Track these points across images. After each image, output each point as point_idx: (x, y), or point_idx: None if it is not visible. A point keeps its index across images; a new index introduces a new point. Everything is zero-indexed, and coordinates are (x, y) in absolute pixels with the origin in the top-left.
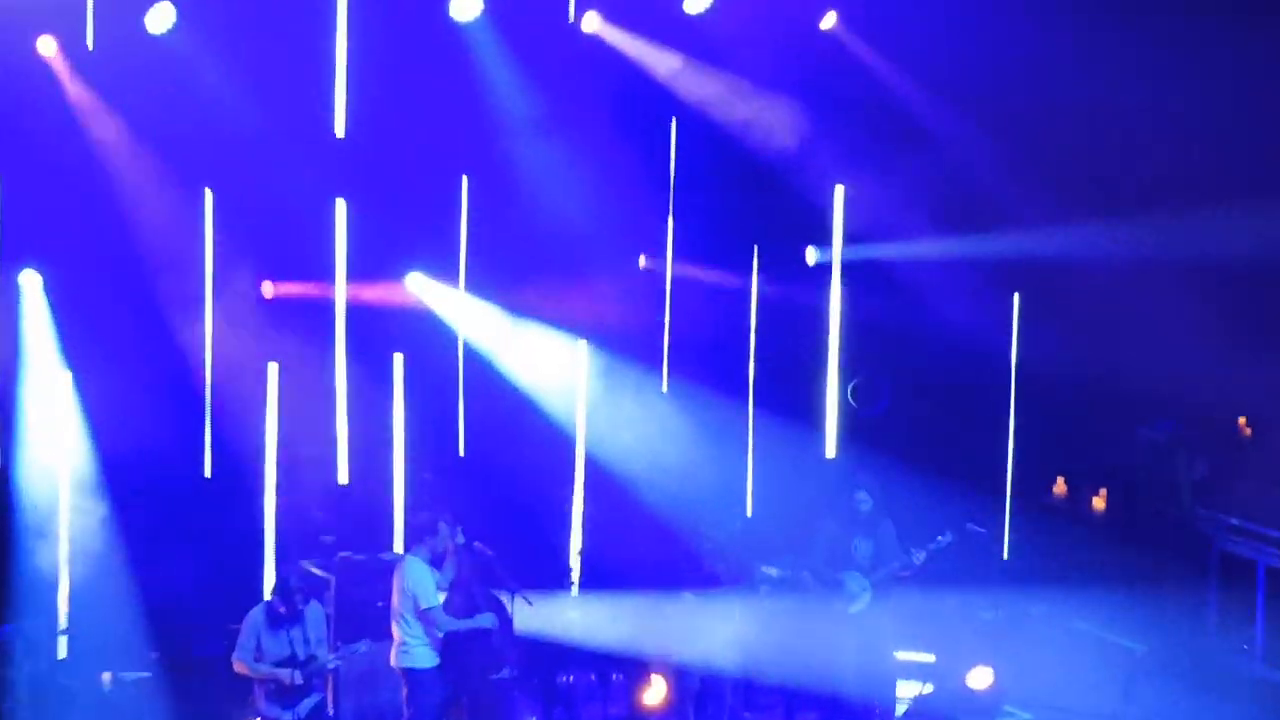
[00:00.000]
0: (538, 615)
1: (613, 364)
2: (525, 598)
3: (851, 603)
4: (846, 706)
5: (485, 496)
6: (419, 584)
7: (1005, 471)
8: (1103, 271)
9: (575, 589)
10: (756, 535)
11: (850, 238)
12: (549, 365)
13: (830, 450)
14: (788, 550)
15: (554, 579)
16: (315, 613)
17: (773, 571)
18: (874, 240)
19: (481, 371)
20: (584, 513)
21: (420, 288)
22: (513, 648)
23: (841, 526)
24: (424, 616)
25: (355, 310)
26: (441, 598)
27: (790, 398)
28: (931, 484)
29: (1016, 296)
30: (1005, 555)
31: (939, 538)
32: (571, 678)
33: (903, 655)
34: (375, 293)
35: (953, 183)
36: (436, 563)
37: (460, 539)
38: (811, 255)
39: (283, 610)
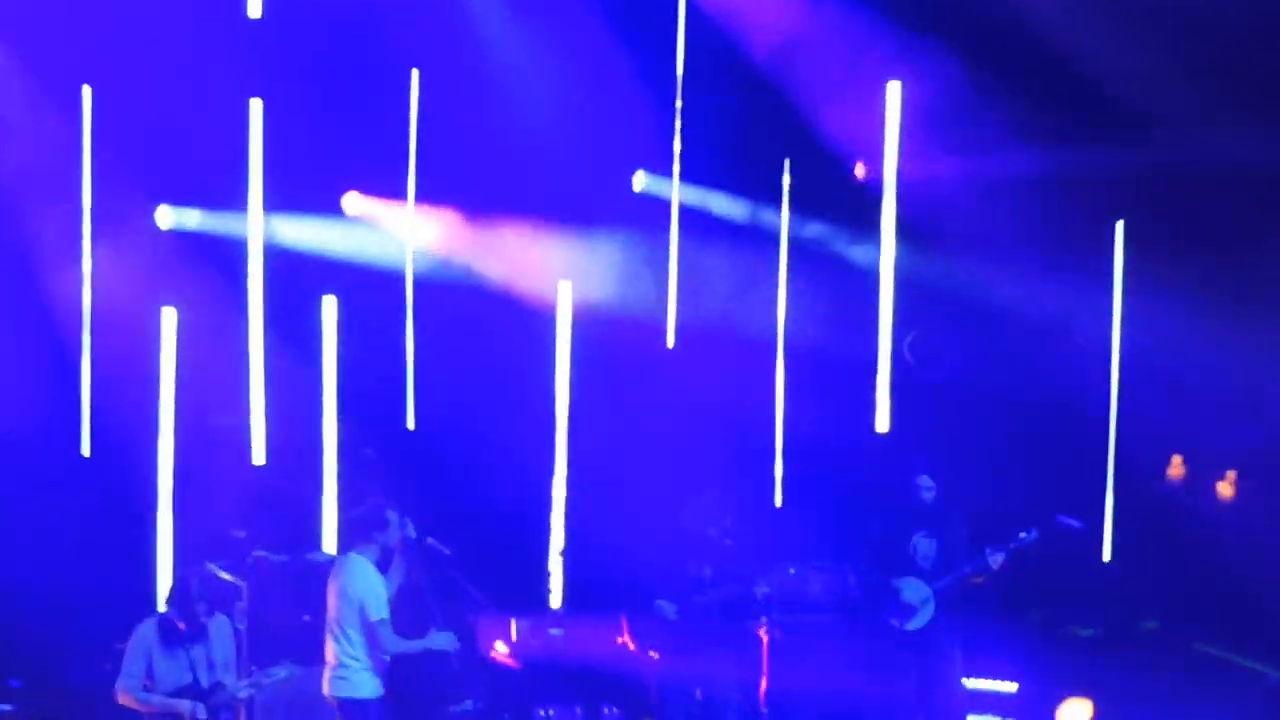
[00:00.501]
0: (509, 634)
1: (603, 313)
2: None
3: (909, 618)
4: None
5: (440, 480)
6: (369, 590)
7: (1106, 450)
8: (1242, 188)
9: (556, 599)
10: (787, 530)
11: (907, 152)
12: (521, 301)
13: (882, 423)
14: (825, 551)
15: (529, 588)
16: (222, 628)
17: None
18: (937, 155)
19: (436, 322)
20: (567, 502)
21: (358, 212)
22: (477, 674)
23: (896, 520)
24: (371, 632)
25: (275, 244)
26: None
27: (830, 357)
28: (1011, 466)
29: (1121, 226)
30: (1106, 556)
31: (1021, 534)
32: (551, 713)
33: (975, 684)
34: (300, 221)
35: (1040, 77)
36: (382, 565)
37: (411, 533)
38: (861, 170)
39: (181, 626)
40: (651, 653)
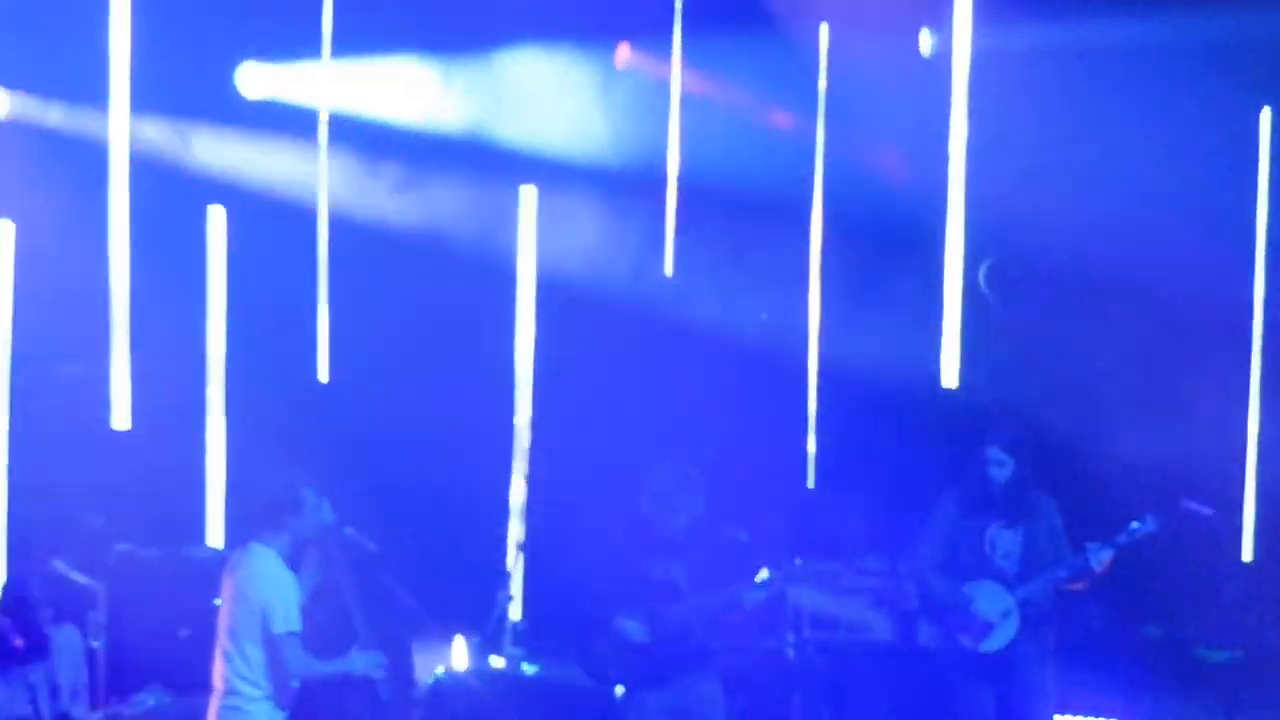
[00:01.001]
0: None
1: (577, 224)
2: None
3: (984, 637)
4: None
5: (363, 451)
6: (276, 593)
7: (1245, 415)
8: None
9: (516, 610)
10: (821, 519)
11: (985, 15)
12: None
13: (949, 378)
14: (869, 547)
15: (479, 594)
16: (70, 643)
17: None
18: (1024, 21)
19: (356, 240)
20: (530, 481)
21: (256, 86)
22: (410, 708)
23: (968, 508)
24: (276, 649)
25: (145, 140)
26: None
27: (876, 291)
28: (1119, 435)
29: (1267, 113)
30: (1248, 555)
31: (1133, 525)
32: None
33: None
34: (175, 120)
35: None
36: (292, 562)
37: (329, 519)
38: (926, 42)
39: (17, 641)
40: (618, 688)
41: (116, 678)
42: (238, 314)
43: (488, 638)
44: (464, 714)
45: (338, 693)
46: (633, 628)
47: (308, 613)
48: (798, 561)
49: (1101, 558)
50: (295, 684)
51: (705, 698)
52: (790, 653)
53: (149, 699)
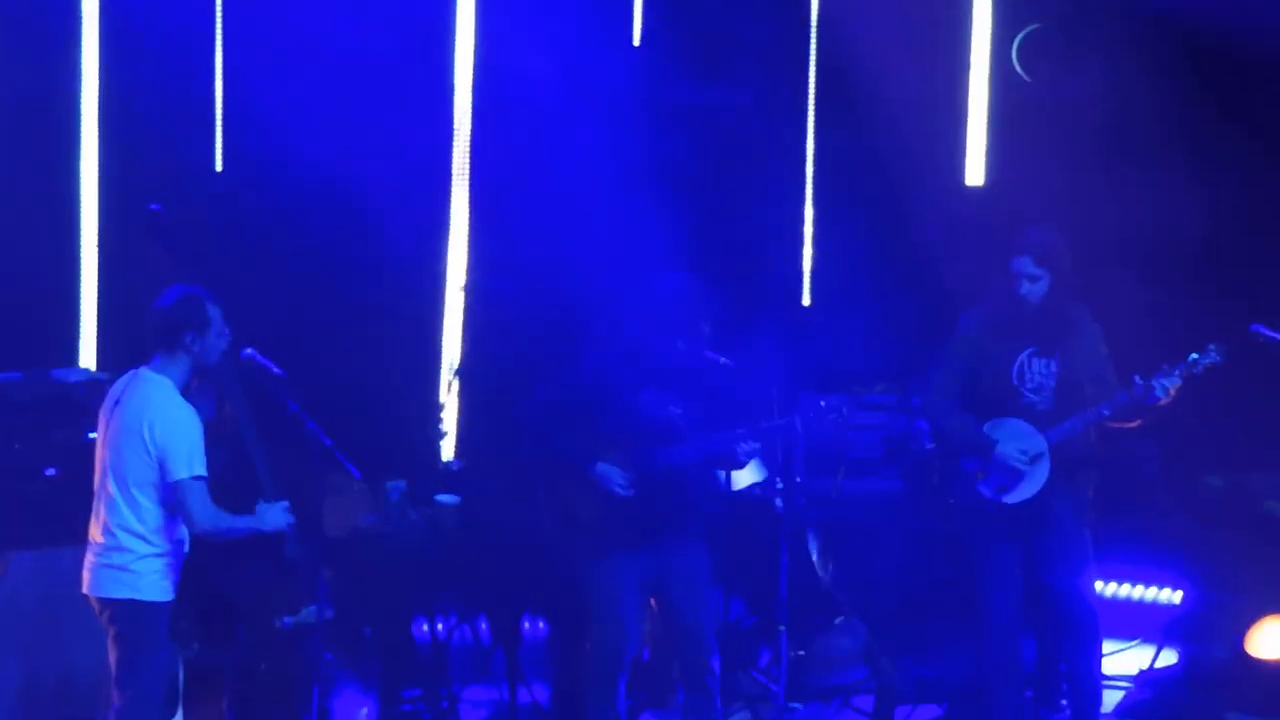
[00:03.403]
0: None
1: None
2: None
3: (1011, 485)
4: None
5: (267, 253)
6: (177, 430)
7: None
8: None
9: (449, 449)
10: (818, 343)
11: None
12: None
13: (974, 174)
14: (873, 375)
15: (407, 430)
16: None
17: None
18: None
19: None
20: (469, 289)
21: None
22: (323, 568)
23: (994, 331)
24: (175, 497)
25: None
26: None
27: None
28: (1177, 243)
29: None
30: None
31: (1193, 355)
32: (441, 627)
33: (1116, 591)
34: None
35: None
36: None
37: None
38: None
39: None
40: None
41: None
42: (116, 88)
43: (415, 481)
44: (384, 573)
45: (243, 551)
46: (614, 476)
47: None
48: (823, 404)
49: (1168, 385)
50: (186, 547)
51: (691, 563)
52: (778, 503)
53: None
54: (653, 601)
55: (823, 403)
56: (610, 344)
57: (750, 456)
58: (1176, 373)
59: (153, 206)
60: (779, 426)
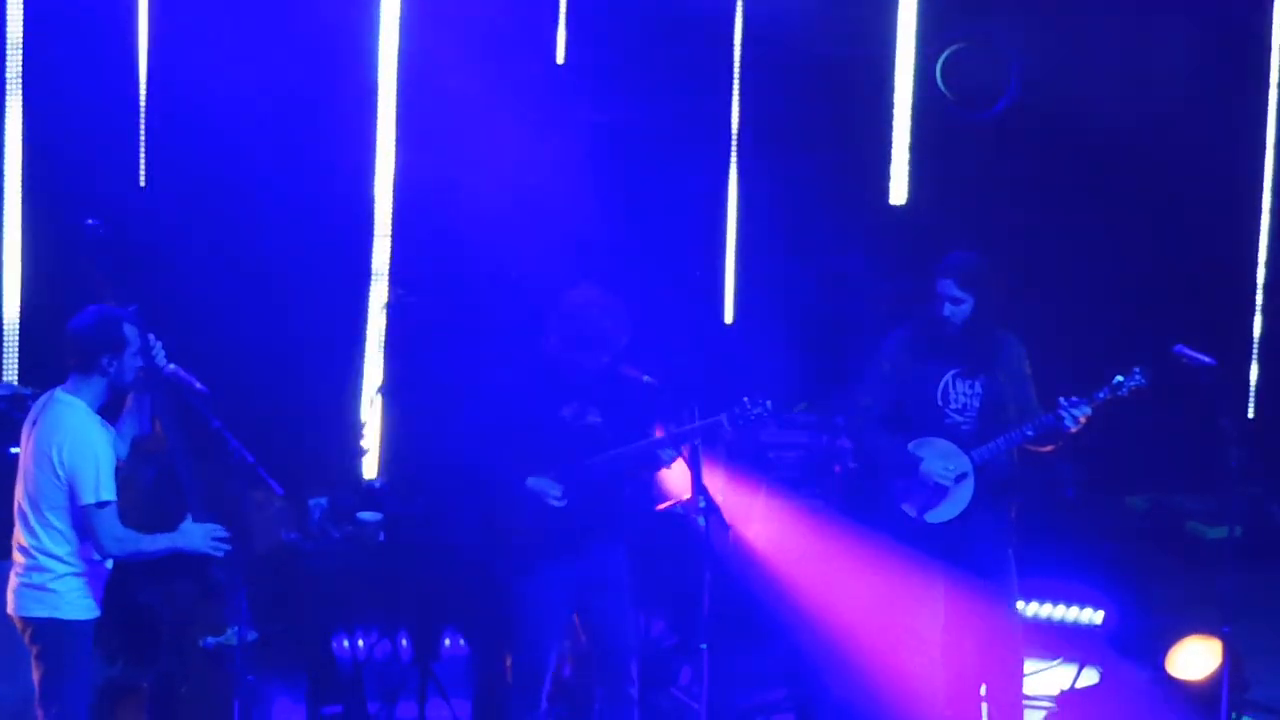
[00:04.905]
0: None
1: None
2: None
3: (933, 503)
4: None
5: (188, 269)
6: (87, 453)
7: (1256, 246)
8: None
9: (371, 467)
10: (740, 361)
11: None
12: None
13: (897, 194)
14: (793, 394)
15: (331, 448)
16: None
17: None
18: None
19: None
20: (392, 302)
21: None
22: (243, 587)
23: (918, 352)
24: (87, 522)
25: None
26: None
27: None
28: (1100, 263)
29: None
30: (1251, 412)
31: (1117, 378)
32: (362, 644)
33: (1037, 611)
34: None
35: None
36: (110, 415)
37: (161, 360)
38: None
39: None
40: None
41: None
42: (39, 103)
43: (337, 499)
44: (305, 589)
45: (164, 570)
46: (546, 487)
47: (129, 473)
48: (746, 399)
49: (1076, 415)
50: (108, 562)
51: (616, 572)
52: (701, 520)
53: None
54: (575, 617)
55: (746, 399)
56: (531, 359)
57: (674, 457)
58: (1089, 400)
59: (89, 221)
60: (707, 425)
